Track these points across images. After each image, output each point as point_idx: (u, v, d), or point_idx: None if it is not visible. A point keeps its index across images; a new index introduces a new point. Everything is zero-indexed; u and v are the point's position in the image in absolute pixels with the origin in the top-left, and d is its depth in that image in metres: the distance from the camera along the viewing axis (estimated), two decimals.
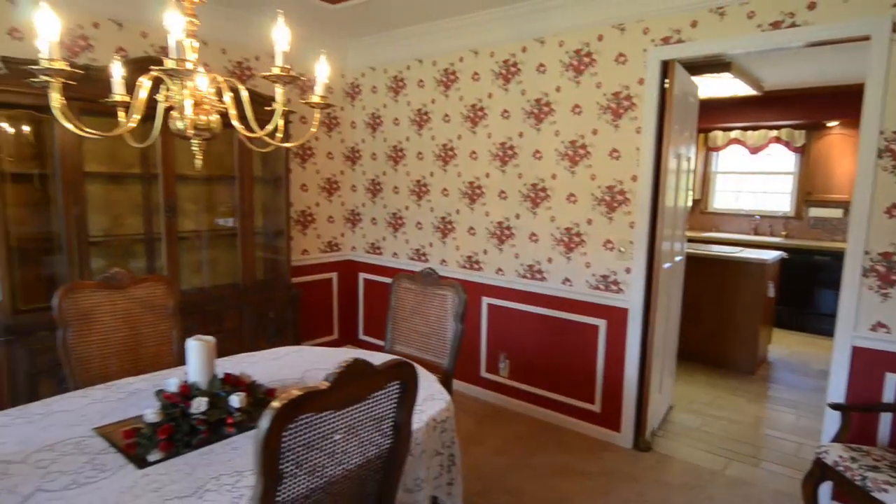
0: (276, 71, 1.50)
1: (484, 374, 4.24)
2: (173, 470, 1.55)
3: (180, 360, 2.54)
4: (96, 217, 3.40)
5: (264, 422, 1.13)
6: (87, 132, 1.64)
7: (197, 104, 1.66)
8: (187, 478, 1.52)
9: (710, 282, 5.08)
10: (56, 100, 1.60)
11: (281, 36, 1.51)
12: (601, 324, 3.57)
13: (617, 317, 3.50)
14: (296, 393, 1.17)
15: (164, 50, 3.65)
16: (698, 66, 3.65)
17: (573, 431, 3.73)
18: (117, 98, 1.83)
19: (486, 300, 4.13)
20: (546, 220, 3.77)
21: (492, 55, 3.93)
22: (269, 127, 1.63)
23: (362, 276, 5.11)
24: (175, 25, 1.34)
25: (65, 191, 3.07)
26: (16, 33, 3.13)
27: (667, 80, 3.26)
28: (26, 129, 3.14)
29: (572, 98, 3.56)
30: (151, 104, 1.69)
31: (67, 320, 2.22)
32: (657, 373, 3.61)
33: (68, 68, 1.46)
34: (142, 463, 1.58)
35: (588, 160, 3.53)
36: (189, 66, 1.48)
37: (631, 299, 3.43)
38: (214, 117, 1.67)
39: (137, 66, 3.08)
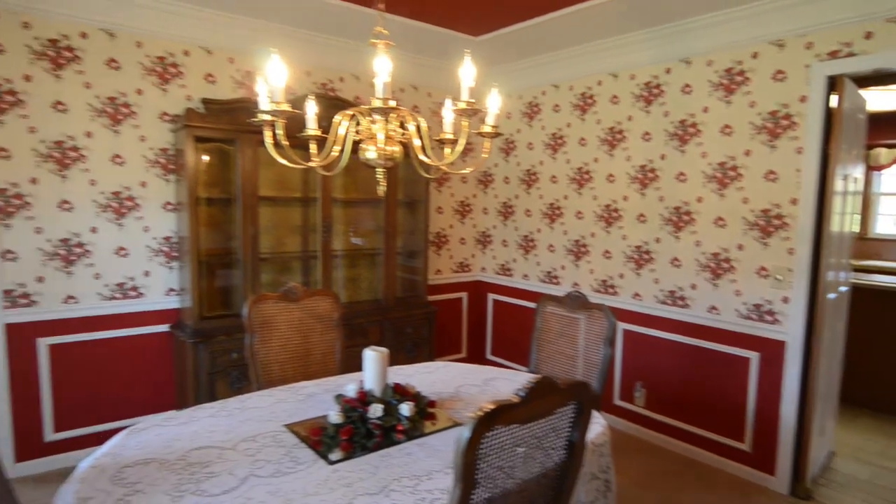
0: (461, 105, 1.63)
1: (617, 401, 4.12)
2: (358, 468, 1.70)
3: (343, 367, 2.77)
4: (264, 236, 3.81)
5: (466, 431, 1.22)
6: (300, 163, 1.85)
7: (385, 136, 1.84)
8: (372, 477, 1.65)
9: (876, 316, 4.55)
10: (269, 136, 1.85)
11: (467, 72, 1.64)
12: (753, 356, 3.34)
13: (772, 349, 3.26)
14: (491, 405, 1.25)
15: (325, 86, 4.03)
16: (866, 79, 3.35)
17: (719, 470, 3.50)
18: (311, 132, 2.06)
19: (621, 325, 4.03)
20: (690, 245, 3.62)
21: (632, 78, 3.89)
22: (453, 156, 1.76)
23: (491, 296, 5.20)
24: (382, 68, 1.51)
25: (244, 213, 3.48)
26: (210, 78, 3.64)
27: (833, 97, 3.04)
28: (207, 158, 3.61)
29: (722, 118, 3.42)
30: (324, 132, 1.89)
31: (254, 327, 2.52)
32: (818, 414, 3.29)
33: (291, 109, 1.67)
34: (330, 460, 1.75)
35: (739, 182, 3.36)
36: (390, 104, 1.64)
37: (789, 331, 3.18)
38: (398, 148, 1.84)
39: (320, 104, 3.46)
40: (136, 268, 3.50)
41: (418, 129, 1.88)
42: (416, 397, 2.06)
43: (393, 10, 3.73)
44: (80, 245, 3.30)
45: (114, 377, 3.47)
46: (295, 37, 3.84)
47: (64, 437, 3.35)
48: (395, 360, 4.09)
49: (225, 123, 3.35)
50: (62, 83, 3.16)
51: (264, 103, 1.82)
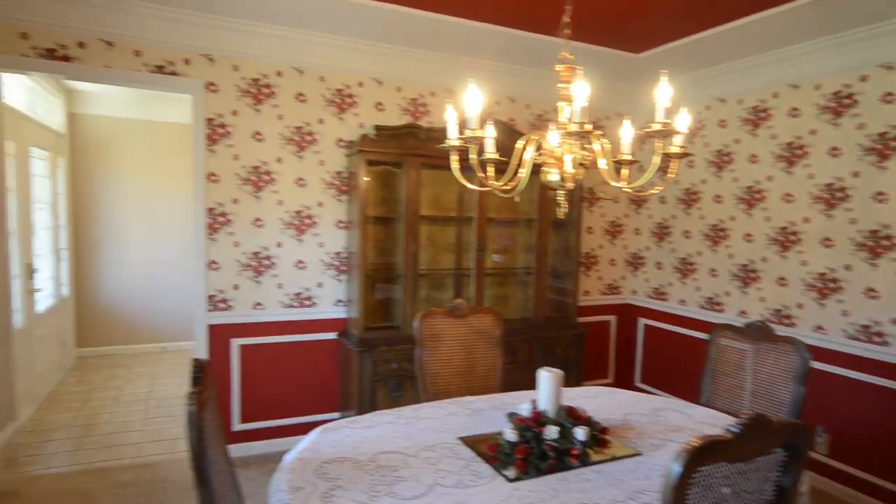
0: (656, 127, 1.60)
1: None
2: (538, 490, 1.71)
3: (504, 386, 2.80)
4: (420, 253, 3.99)
5: (676, 465, 1.17)
6: (484, 187, 1.92)
7: (561, 159, 1.86)
8: (553, 500, 1.65)
9: None
10: (456, 161, 1.94)
11: (663, 93, 1.61)
12: None
13: None
14: (701, 441, 1.19)
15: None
16: None
17: None
18: (490, 156, 2.13)
19: None
20: (890, 273, 3.17)
21: (817, 88, 3.53)
22: (645, 177, 1.72)
23: (642, 321, 4.96)
24: (579, 93, 1.53)
25: (406, 231, 3.69)
26: (379, 106, 3.93)
27: None
28: (375, 180, 3.88)
29: None
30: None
31: (424, 340, 2.64)
32: None
33: (483, 136, 1.74)
34: (508, 477, 1.77)
35: None
36: (574, 128, 1.66)
37: None
38: (580, 169, 1.84)
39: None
40: (311, 280, 3.85)
41: (602, 150, 1.86)
42: (588, 422, 2.02)
43: (546, 32, 3.77)
44: (267, 258, 3.72)
45: (288, 377, 3.84)
46: (456, 63, 4.02)
47: (247, 428, 3.76)
48: None
49: (393, 147, 3.60)
50: (260, 116, 3.61)
51: (453, 130, 1.92)
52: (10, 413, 3.89)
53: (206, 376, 1.61)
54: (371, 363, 3.58)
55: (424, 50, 3.87)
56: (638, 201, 4.98)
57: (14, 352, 3.90)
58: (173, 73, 3.38)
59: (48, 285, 5.00)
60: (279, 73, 3.63)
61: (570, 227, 4.38)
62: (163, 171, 6.15)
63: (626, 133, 2.07)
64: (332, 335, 3.94)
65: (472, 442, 2.01)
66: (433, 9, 3.29)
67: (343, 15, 3.31)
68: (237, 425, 3.74)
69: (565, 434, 1.92)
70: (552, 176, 1.85)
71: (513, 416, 2.02)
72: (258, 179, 3.65)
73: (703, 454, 1.18)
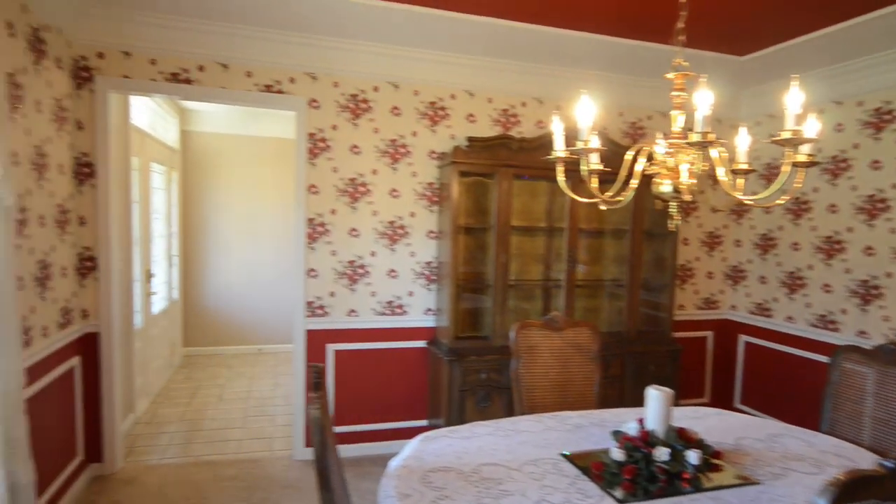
0: (786, 135, 1.50)
1: None
2: None
3: (601, 402, 2.73)
4: (510, 263, 3.98)
5: (822, 501, 1.08)
6: (592, 198, 1.89)
7: (675, 169, 1.79)
8: None
9: None
10: (562, 173, 1.92)
11: (794, 98, 1.52)
12: None
13: None
14: (851, 475, 1.10)
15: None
16: None
17: None
18: (594, 167, 2.09)
19: None
20: None
21: None
22: (773, 188, 1.63)
23: (743, 338, 4.67)
24: (702, 101, 1.47)
25: (497, 241, 3.70)
26: (471, 118, 3.97)
27: None
28: (467, 190, 3.91)
29: None
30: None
31: (520, 352, 2.63)
32: None
33: (601, 148, 1.71)
34: (616, 498, 1.72)
35: None
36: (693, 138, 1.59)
37: None
38: (695, 181, 1.77)
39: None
40: (402, 288, 3.94)
41: (720, 159, 1.78)
42: (700, 444, 1.93)
43: (644, 38, 3.67)
44: (362, 266, 3.85)
45: (379, 383, 3.93)
46: (546, 73, 3.99)
47: (339, 431, 3.88)
48: (635, 397, 3.92)
49: (485, 158, 3.62)
50: (358, 130, 3.75)
51: (560, 141, 1.91)
52: (130, 405, 4.24)
53: (323, 381, 1.68)
54: (460, 373, 3.60)
55: (516, 60, 3.88)
56: (739, 211, 4.70)
57: (134, 350, 4.26)
58: (280, 92, 3.58)
59: (162, 289, 5.43)
60: (376, 89, 3.76)
61: (665, 238, 4.22)
62: (262, 182, 6.53)
63: (742, 141, 1.97)
64: (421, 343, 4.01)
65: (577, 458, 1.97)
66: (529, 20, 3.30)
67: (439, 30, 3.39)
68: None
69: (677, 457, 1.83)
70: (664, 187, 1.79)
71: (619, 435, 1.96)
72: (354, 191, 3.79)
73: (852, 490, 1.09)
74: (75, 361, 3.23)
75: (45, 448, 2.73)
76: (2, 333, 2.10)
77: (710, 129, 1.49)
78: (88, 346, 3.37)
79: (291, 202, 6.67)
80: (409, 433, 3.97)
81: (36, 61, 2.71)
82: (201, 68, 3.43)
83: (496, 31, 3.34)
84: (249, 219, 6.55)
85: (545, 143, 3.72)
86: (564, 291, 3.92)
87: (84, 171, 3.30)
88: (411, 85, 3.83)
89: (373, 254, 3.86)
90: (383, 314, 3.92)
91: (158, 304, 5.29)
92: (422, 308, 4.00)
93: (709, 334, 4.78)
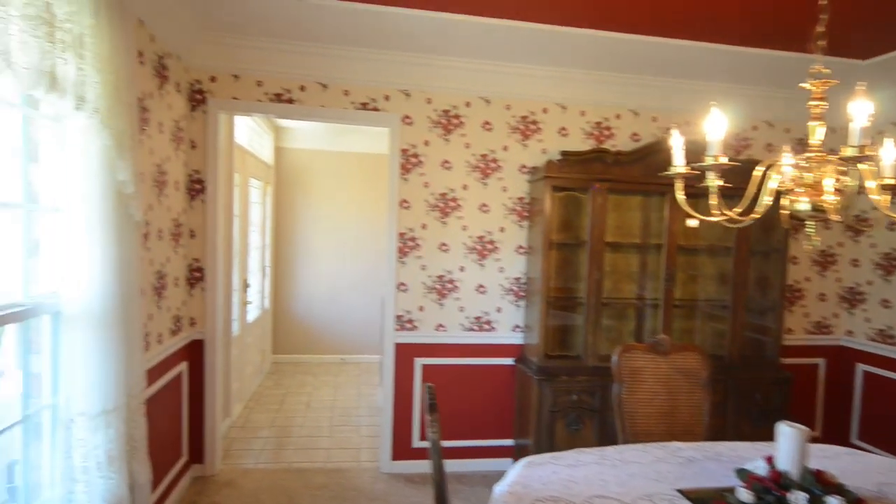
0: None
1: None
2: None
3: (711, 433, 2.54)
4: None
5: None
6: (714, 217, 1.77)
7: (814, 186, 1.64)
8: None
9: None
10: (681, 190, 1.81)
11: None
12: None
13: None
14: None
15: (668, 130, 3.93)
16: None
17: None
18: (713, 182, 1.96)
19: None
20: None
21: None
22: None
23: (861, 367, 4.25)
24: (859, 112, 1.33)
25: (590, 258, 3.58)
26: (563, 131, 3.89)
27: None
28: (558, 205, 3.82)
29: None
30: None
31: (622, 377, 2.50)
32: None
33: (729, 162, 1.60)
34: None
35: None
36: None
37: None
38: (842, 198, 1.61)
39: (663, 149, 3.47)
40: (490, 304, 3.89)
41: (870, 173, 1.61)
42: (840, 490, 1.73)
43: (754, 44, 3.45)
44: (451, 281, 3.84)
45: (465, 400, 3.89)
46: (641, 83, 3.85)
47: (425, 446, 3.87)
48: (738, 427, 3.66)
49: (578, 172, 3.52)
50: (449, 145, 3.77)
51: (679, 157, 1.80)
52: (227, 409, 4.44)
53: (437, 402, 1.65)
54: (550, 393, 3.49)
55: (612, 72, 3.77)
56: (856, 228, 4.31)
57: (231, 356, 4.46)
58: (375, 109, 3.67)
59: (256, 298, 5.69)
60: (468, 104, 3.77)
61: (772, 257, 3.93)
62: (348, 196, 6.73)
63: (889, 153, 1.78)
64: (509, 361, 3.93)
65: (696, 497, 1.83)
66: (628, 30, 3.20)
67: (536, 43, 3.35)
68: (417, 442, 3.87)
69: (815, 503, 1.66)
70: (801, 205, 1.64)
71: (745, 474, 1.80)
72: (445, 206, 3.80)
73: None
74: (183, 367, 3.42)
75: (157, 448, 2.89)
76: (131, 338, 2.24)
77: (868, 142, 1.34)
78: (194, 353, 3.55)
79: (376, 216, 6.89)
80: (495, 452, 3.92)
81: (160, 86, 2.91)
82: (303, 88, 3.57)
83: (595, 42, 3.25)
84: (335, 231, 6.76)
85: (642, 156, 3.59)
86: (661, 311, 3.73)
87: (195, 187, 3.50)
88: (503, 99, 3.81)
89: (462, 269, 3.85)
90: (471, 330, 3.89)
91: (253, 312, 5.53)
92: (510, 325, 3.93)
93: (820, 361, 4.39)
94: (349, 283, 6.82)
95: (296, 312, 6.77)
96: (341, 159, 6.71)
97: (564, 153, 3.58)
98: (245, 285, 5.04)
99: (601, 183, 3.53)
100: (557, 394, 3.51)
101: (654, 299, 3.83)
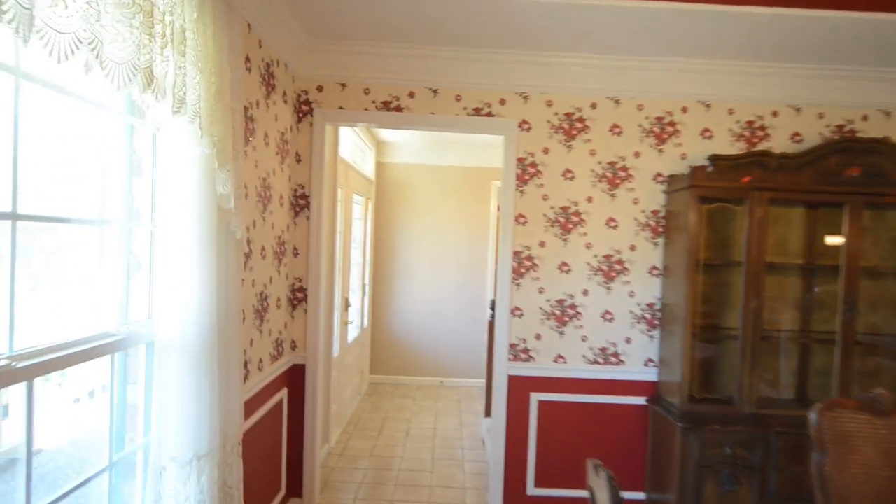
0: None
1: None
2: None
3: None
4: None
5: None
6: None
7: None
8: None
9: None
10: None
11: None
12: None
13: None
14: None
15: (841, 129, 3.24)
16: None
17: None
18: None
19: None
20: None
21: None
22: None
23: None
24: None
25: (747, 282, 2.97)
26: (706, 133, 3.33)
27: None
28: (701, 220, 3.24)
29: None
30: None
31: (825, 442, 1.92)
32: None
33: None
34: None
35: None
36: None
37: None
38: None
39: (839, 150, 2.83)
40: (618, 334, 3.38)
41: None
42: None
43: None
44: (572, 307, 3.37)
45: (587, 443, 3.38)
46: (805, 74, 3.21)
47: (540, 495, 3.40)
48: None
49: (732, 180, 2.95)
50: (572, 152, 3.33)
51: None
52: (326, 435, 4.22)
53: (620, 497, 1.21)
54: (698, 444, 2.91)
55: (768, 62, 3.16)
56: None
57: (332, 378, 4.25)
58: (490, 115, 3.31)
59: (356, 317, 5.51)
60: (593, 105, 3.32)
61: None
62: (449, 212, 6.45)
63: None
64: (639, 400, 3.38)
65: None
66: (804, 5, 2.60)
67: (681, 30, 2.83)
68: (531, 489, 3.40)
69: None
70: None
71: None
72: (566, 221, 3.35)
73: None
74: (283, 394, 3.21)
75: (254, 484, 2.66)
76: (230, 370, 2.01)
77: None
78: (295, 378, 3.34)
79: (478, 232, 6.56)
80: None
81: (266, 95, 2.73)
82: (411, 95, 3.30)
83: (777, 22, 2.65)
84: (435, 248, 6.49)
85: (813, 159, 2.95)
86: (836, 348, 3.03)
87: (300, 202, 3.32)
88: (635, 99, 3.31)
89: (585, 292, 3.37)
90: (595, 363, 3.39)
91: (352, 332, 5.35)
92: (641, 358, 3.38)
93: None
94: (449, 302, 6.50)
95: (394, 332, 6.55)
96: (442, 173, 6.45)
97: (715, 157, 3.01)
98: (346, 304, 4.85)
99: (760, 192, 2.93)
100: (706, 445, 2.92)
101: (825, 332, 3.14)
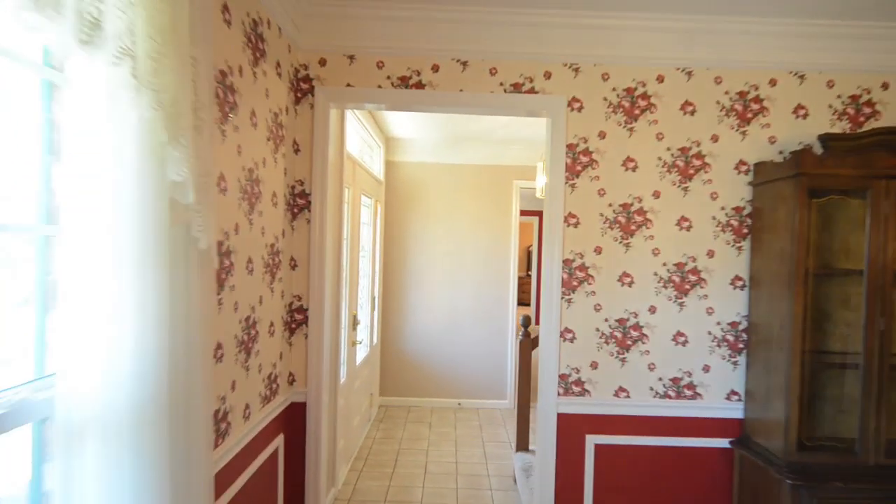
0: None
1: None
2: None
3: None
4: (828, 324, 2.53)
5: None
6: None
7: None
8: None
9: None
10: None
11: None
12: None
13: None
14: None
15: None
16: None
17: None
18: None
19: None
20: None
21: None
22: None
23: None
24: None
25: (870, 296, 2.32)
26: (800, 110, 2.69)
27: None
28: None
29: None
30: None
31: None
32: None
33: None
34: None
35: None
36: None
37: None
38: None
39: None
40: (693, 360, 2.73)
41: None
42: None
43: None
44: (637, 327, 2.72)
45: (656, 495, 2.73)
46: None
47: None
48: None
49: (852, 167, 2.30)
50: (634, 137, 2.69)
51: None
52: (331, 477, 3.57)
53: None
54: None
55: (880, 21, 2.53)
56: None
57: (339, 408, 3.60)
58: (531, 91, 2.68)
59: (364, 335, 4.87)
60: (660, 78, 2.68)
61: None
62: (467, 216, 5.81)
63: None
64: (720, 442, 2.73)
65: None
66: None
67: None
68: None
69: None
70: None
71: None
72: (628, 221, 2.71)
73: None
74: (278, 441, 2.56)
75: None
76: (191, 441, 1.37)
77: None
78: (293, 419, 2.70)
79: (498, 238, 5.91)
80: None
81: (253, 62, 2.11)
82: (435, 68, 2.67)
83: None
84: (451, 256, 5.84)
85: None
86: None
87: (299, 202, 2.69)
88: (711, 69, 2.68)
89: (652, 309, 2.72)
90: (666, 396, 2.73)
91: (361, 352, 4.70)
92: (723, 390, 2.73)
93: None
94: (467, 315, 5.84)
95: (406, 349, 5.89)
96: (458, 173, 5.81)
97: (829, 136, 2.37)
98: (355, 322, 4.21)
99: (889, 181, 2.28)
100: None
101: None
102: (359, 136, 4.43)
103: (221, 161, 1.82)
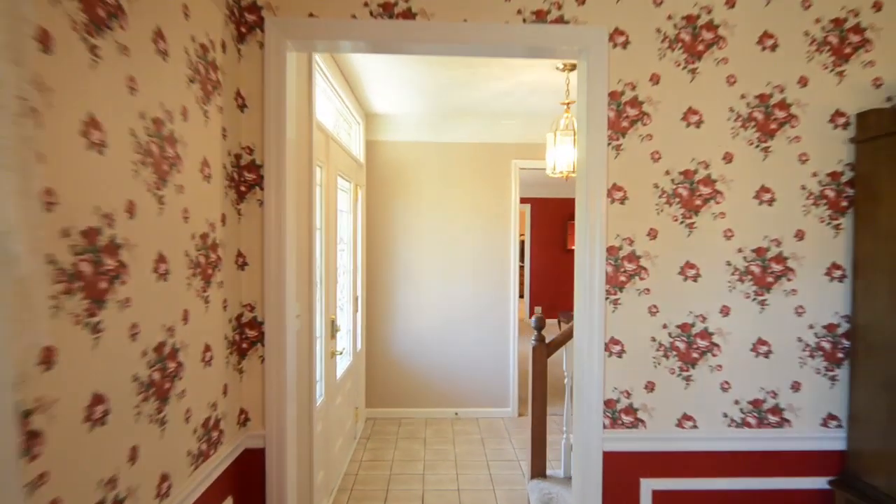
0: None
1: None
2: None
3: None
4: None
5: None
6: None
7: None
8: None
9: None
10: None
11: None
12: None
13: None
14: None
15: None
16: None
17: None
18: None
19: None
20: None
21: None
22: None
23: None
24: None
25: None
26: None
27: None
28: None
29: None
30: None
31: None
32: None
33: None
34: None
35: None
36: None
37: None
38: None
39: None
40: (779, 376, 2.07)
41: None
42: None
43: None
44: (705, 334, 2.05)
45: None
46: None
47: None
48: None
49: None
50: (697, 81, 2.01)
51: None
52: None
53: None
54: None
55: None
56: None
57: (314, 437, 2.90)
58: (560, 21, 1.98)
59: (345, 342, 4.16)
60: (730, 2, 2.00)
61: None
62: (462, 202, 5.11)
63: None
64: (816, 482, 2.08)
65: None
66: None
67: None
68: None
69: None
70: None
71: None
72: (691, 194, 2.03)
73: None
74: None
75: None
76: None
77: None
78: (248, 473, 1.98)
79: (499, 227, 5.23)
80: None
81: None
82: None
83: None
84: (444, 248, 5.14)
85: None
86: None
87: (247, 177, 1.96)
88: None
89: (724, 310, 2.05)
90: (744, 425, 2.07)
91: (343, 362, 4.00)
92: (818, 414, 2.08)
93: None
94: (463, 313, 5.16)
95: (395, 354, 5.19)
96: (450, 152, 5.09)
97: None
98: (333, 329, 3.49)
99: None
100: None
101: None
102: (333, 107, 3.70)
103: (92, 98, 1.10)
